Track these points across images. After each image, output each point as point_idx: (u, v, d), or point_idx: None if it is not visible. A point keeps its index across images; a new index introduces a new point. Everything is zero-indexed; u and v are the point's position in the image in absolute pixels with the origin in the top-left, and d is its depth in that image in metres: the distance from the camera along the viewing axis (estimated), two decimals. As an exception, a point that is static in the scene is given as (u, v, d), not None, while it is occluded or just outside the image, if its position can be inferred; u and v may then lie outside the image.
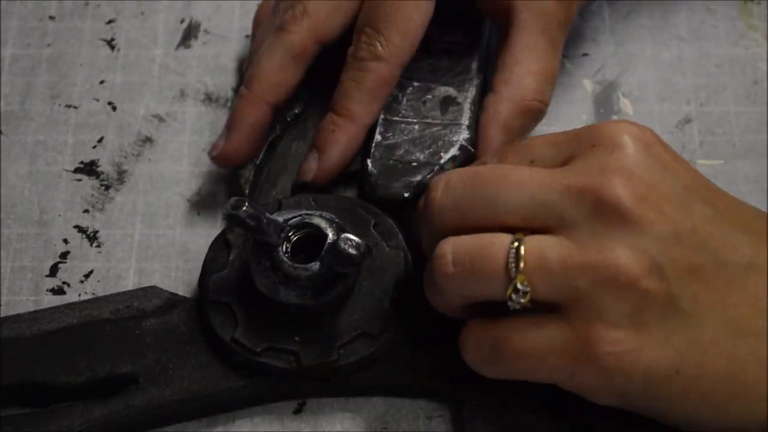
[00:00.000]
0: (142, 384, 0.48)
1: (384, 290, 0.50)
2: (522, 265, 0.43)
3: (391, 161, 0.53)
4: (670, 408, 0.44)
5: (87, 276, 0.55)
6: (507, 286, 0.43)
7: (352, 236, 0.46)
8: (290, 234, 0.49)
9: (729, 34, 0.62)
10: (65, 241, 0.56)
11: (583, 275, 0.42)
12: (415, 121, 0.55)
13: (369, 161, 0.53)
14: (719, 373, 0.42)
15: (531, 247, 0.43)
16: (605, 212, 0.43)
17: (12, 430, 0.47)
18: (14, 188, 0.58)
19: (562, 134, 0.47)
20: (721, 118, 0.60)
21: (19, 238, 0.56)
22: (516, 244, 0.43)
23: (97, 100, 0.61)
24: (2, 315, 0.53)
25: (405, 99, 0.56)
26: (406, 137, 0.54)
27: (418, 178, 0.53)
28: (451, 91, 0.56)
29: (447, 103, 0.55)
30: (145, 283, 0.54)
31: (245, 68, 0.58)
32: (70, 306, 0.51)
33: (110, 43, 0.63)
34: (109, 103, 0.61)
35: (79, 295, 0.54)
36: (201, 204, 0.57)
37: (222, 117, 0.59)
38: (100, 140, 0.59)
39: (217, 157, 0.55)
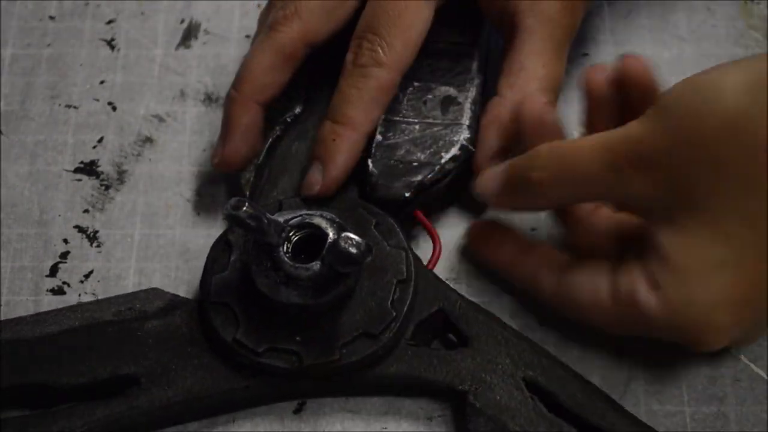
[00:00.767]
0: (144, 385, 0.48)
1: (385, 290, 0.50)
2: None
3: (392, 161, 0.54)
4: None
5: (87, 276, 0.55)
6: None
7: (352, 235, 0.46)
8: (291, 234, 0.48)
9: (729, 34, 0.62)
10: (65, 241, 0.56)
11: None
12: (415, 121, 0.55)
13: (370, 161, 0.53)
14: None
15: None
16: None
17: (14, 431, 0.47)
18: (14, 188, 0.57)
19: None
20: (721, 117, 0.60)
21: (19, 238, 0.56)
22: None
23: (97, 100, 0.61)
24: (2, 315, 0.53)
25: (405, 99, 0.56)
26: (406, 137, 0.54)
27: (419, 178, 0.53)
28: (451, 90, 0.56)
29: (447, 102, 0.55)
30: (145, 284, 0.54)
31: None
32: (72, 308, 0.51)
33: (110, 43, 0.63)
34: (109, 103, 0.61)
35: (79, 295, 0.54)
36: (201, 204, 0.57)
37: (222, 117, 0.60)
38: (100, 140, 0.59)
39: (219, 163, 0.54)
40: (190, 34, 0.63)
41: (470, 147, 0.54)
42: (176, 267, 0.55)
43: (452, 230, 0.56)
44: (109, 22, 0.64)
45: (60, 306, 0.52)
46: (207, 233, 0.56)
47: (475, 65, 0.57)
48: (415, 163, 0.53)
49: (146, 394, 0.48)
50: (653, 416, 0.50)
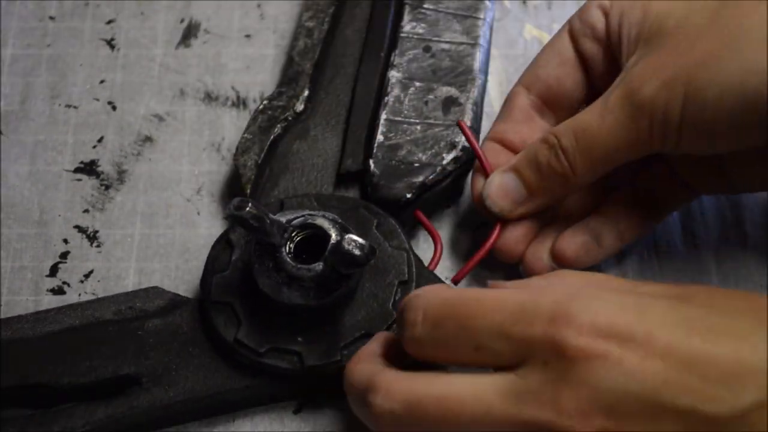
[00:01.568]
0: (145, 385, 0.48)
1: (387, 291, 0.50)
2: None
3: (393, 162, 0.53)
4: None
5: (87, 276, 0.55)
6: None
7: (356, 237, 0.46)
8: (293, 234, 0.48)
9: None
10: (65, 241, 0.56)
11: None
12: (417, 121, 0.55)
13: (371, 162, 0.53)
14: None
15: None
16: None
17: (15, 431, 0.47)
18: (14, 188, 0.57)
19: (509, 322, 0.41)
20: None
21: (19, 238, 0.56)
22: None
23: (97, 99, 0.61)
24: (2, 315, 0.53)
25: (407, 99, 0.56)
26: (408, 138, 0.54)
27: (420, 178, 0.53)
28: (452, 91, 0.56)
29: (449, 103, 0.55)
30: (145, 283, 0.54)
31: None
32: (73, 307, 0.51)
33: (110, 43, 0.63)
34: (109, 103, 0.60)
35: (79, 295, 0.54)
36: (201, 204, 0.57)
37: (222, 116, 0.59)
38: (100, 140, 0.59)
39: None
40: (189, 33, 0.63)
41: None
42: (176, 267, 0.55)
43: (453, 231, 0.56)
44: (109, 22, 0.63)
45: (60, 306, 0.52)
46: (207, 233, 0.56)
47: (476, 65, 0.57)
48: (416, 164, 0.53)
49: (147, 394, 0.48)
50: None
